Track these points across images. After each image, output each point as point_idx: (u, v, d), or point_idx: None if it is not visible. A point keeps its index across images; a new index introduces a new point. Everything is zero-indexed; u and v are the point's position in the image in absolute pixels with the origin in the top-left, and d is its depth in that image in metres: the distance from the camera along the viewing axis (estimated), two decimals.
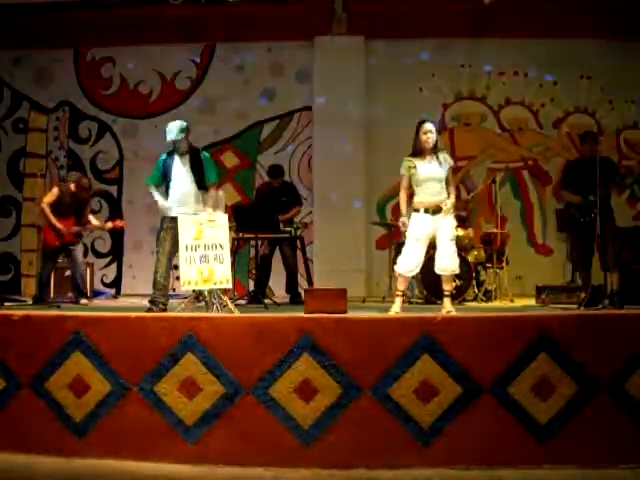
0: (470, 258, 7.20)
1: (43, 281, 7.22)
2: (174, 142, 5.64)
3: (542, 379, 3.68)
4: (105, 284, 9.18)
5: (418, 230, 5.19)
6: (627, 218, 8.11)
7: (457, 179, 9.11)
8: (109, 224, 7.42)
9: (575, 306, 6.05)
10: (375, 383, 3.71)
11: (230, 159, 9.23)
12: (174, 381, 3.80)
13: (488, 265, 7.51)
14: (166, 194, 5.73)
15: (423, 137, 5.20)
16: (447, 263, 5.20)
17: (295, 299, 7.21)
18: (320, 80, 8.98)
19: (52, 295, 7.46)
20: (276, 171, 7.62)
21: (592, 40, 8.66)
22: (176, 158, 5.72)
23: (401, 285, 5.35)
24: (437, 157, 5.21)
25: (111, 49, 9.36)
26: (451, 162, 5.30)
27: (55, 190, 7.20)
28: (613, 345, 3.72)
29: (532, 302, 6.97)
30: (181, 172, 5.67)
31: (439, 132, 5.38)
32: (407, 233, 5.28)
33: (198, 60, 9.37)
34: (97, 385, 3.86)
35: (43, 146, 9.48)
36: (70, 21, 8.98)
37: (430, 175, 5.18)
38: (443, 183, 5.22)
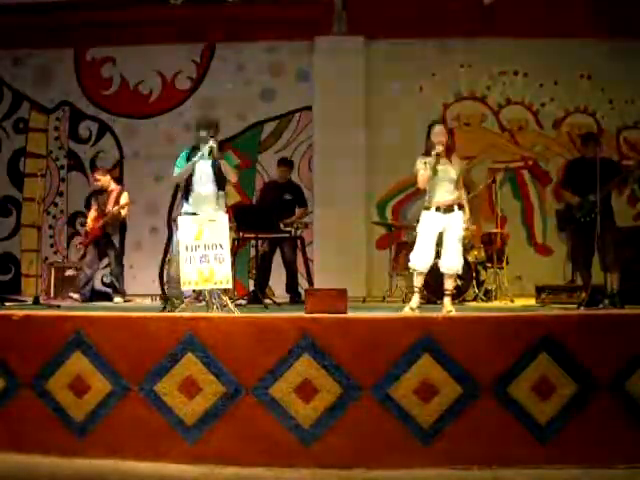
0: (470, 258, 7.20)
1: (87, 277, 7.56)
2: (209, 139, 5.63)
3: (542, 379, 3.67)
4: (105, 284, 9.18)
5: (429, 226, 5.29)
6: (627, 218, 8.11)
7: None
8: (115, 208, 7.56)
9: (575, 306, 6.05)
10: (375, 383, 3.71)
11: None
12: (174, 381, 3.80)
13: (488, 265, 7.52)
14: (185, 194, 5.75)
15: (435, 140, 5.26)
16: (452, 262, 5.29)
17: (295, 299, 7.20)
18: (320, 80, 8.98)
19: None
20: (283, 162, 7.68)
21: (592, 40, 8.66)
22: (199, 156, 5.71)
23: (418, 282, 5.40)
24: (449, 158, 5.29)
25: (111, 49, 9.37)
26: (463, 163, 5.40)
27: (94, 202, 7.84)
28: (613, 345, 3.72)
29: (532, 302, 6.97)
30: (205, 172, 5.70)
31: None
32: (418, 230, 5.38)
33: (198, 60, 9.38)
34: (97, 385, 3.86)
35: (43, 146, 9.48)
36: (70, 21, 8.99)
37: (442, 176, 5.26)
38: (454, 184, 5.30)
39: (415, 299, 5.35)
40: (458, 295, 6.99)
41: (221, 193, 5.71)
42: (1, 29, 8.91)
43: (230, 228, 5.41)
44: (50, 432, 3.88)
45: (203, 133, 5.74)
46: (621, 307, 5.49)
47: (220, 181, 5.73)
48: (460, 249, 5.32)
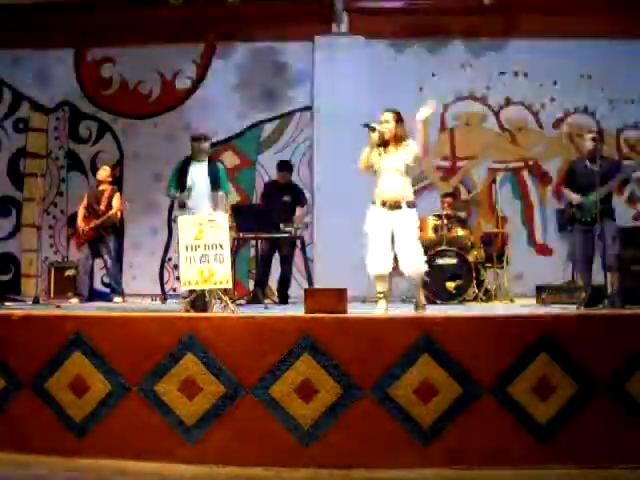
0: (470, 258, 7.21)
1: (81, 277, 7.59)
2: (203, 151, 6.42)
3: (542, 379, 3.67)
4: (105, 284, 9.18)
5: (374, 226, 4.92)
6: (627, 218, 8.11)
7: (457, 179, 9.15)
8: (112, 212, 7.57)
9: (575, 306, 6.05)
10: (375, 383, 3.71)
11: (230, 159, 9.22)
12: (174, 381, 3.80)
13: (488, 265, 7.52)
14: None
15: (380, 127, 4.94)
16: (410, 266, 4.88)
17: (284, 300, 7.23)
18: (320, 80, 8.98)
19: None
20: (282, 166, 7.67)
21: (592, 40, 8.67)
22: (194, 164, 6.37)
23: (379, 287, 5.05)
24: (398, 148, 4.93)
25: (111, 49, 9.37)
26: (413, 150, 4.89)
27: (85, 197, 7.79)
28: (613, 345, 3.71)
29: (532, 302, 6.97)
30: (199, 177, 6.30)
31: (404, 128, 5.03)
32: (365, 229, 5.01)
33: (198, 60, 9.38)
34: (97, 385, 3.86)
35: (43, 146, 9.48)
36: (70, 21, 8.99)
37: (388, 167, 4.90)
38: (405, 177, 4.92)
39: (381, 305, 5.01)
40: (458, 295, 7.00)
41: (218, 194, 5.96)
42: (1, 29, 8.91)
43: (230, 228, 5.42)
44: (50, 432, 3.88)
45: (198, 145, 6.41)
46: (621, 307, 5.49)
47: (214, 186, 6.27)
48: (415, 250, 4.88)
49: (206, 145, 6.50)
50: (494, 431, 3.66)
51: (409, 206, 4.92)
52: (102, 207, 7.52)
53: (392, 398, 3.69)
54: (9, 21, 8.87)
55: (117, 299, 7.54)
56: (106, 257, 7.57)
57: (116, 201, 7.61)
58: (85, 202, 7.69)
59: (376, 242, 4.92)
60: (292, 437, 3.70)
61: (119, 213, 7.65)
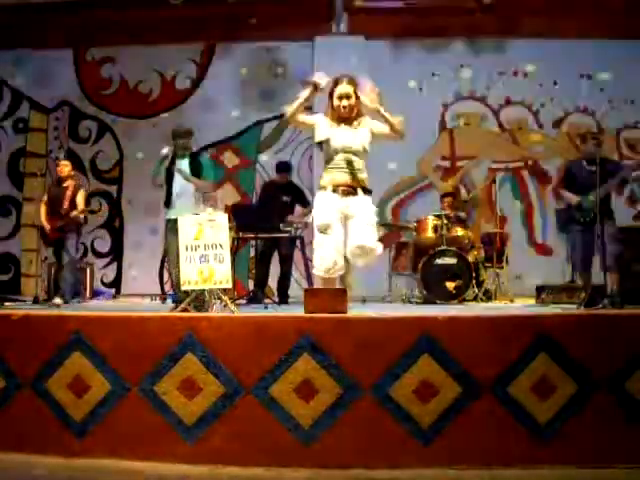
0: (470, 258, 7.20)
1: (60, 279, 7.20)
2: (184, 147, 6.05)
3: (542, 379, 3.67)
4: (105, 284, 9.18)
5: (325, 216, 4.25)
6: (627, 218, 8.11)
7: (457, 179, 9.15)
8: (75, 212, 6.97)
9: (575, 306, 6.04)
10: (375, 383, 3.70)
11: (230, 159, 9.24)
12: (174, 381, 3.80)
13: (488, 265, 7.52)
14: (167, 195, 5.99)
15: (336, 103, 4.25)
16: (362, 240, 4.22)
17: (283, 300, 7.23)
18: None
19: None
20: (281, 167, 7.66)
21: (592, 40, 8.68)
22: (177, 161, 6.03)
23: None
24: (356, 126, 4.32)
25: (111, 49, 9.40)
26: (371, 125, 4.31)
27: (46, 193, 7.38)
28: (613, 345, 3.71)
29: (532, 302, 6.97)
30: (180, 174, 5.96)
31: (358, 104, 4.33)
32: (315, 224, 4.32)
33: (198, 60, 9.39)
34: (97, 385, 3.85)
35: (43, 146, 9.49)
36: (70, 21, 9.01)
37: (342, 146, 4.31)
38: (360, 159, 4.33)
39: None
40: (458, 295, 6.99)
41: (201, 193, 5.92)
42: (1, 29, 8.93)
43: (230, 228, 5.42)
44: (50, 432, 3.87)
45: (179, 141, 6.08)
46: (621, 307, 5.49)
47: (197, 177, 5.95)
48: (374, 232, 4.29)
49: (186, 142, 6.11)
50: (494, 431, 3.66)
51: (365, 192, 4.34)
52: (65, 206, 6.93)
53: (392, 398, 3.68)
54: (9, 21, 8.89)
55: (57, 300, 6.87)
56: (65, 259, 6.95)
57: (80, 199, 7.02)
58: (46, 199, 7.17)
59: (324, 238, 4.28)
60: (292, 437, 3.70)
61: (82, 215, 7.04)
